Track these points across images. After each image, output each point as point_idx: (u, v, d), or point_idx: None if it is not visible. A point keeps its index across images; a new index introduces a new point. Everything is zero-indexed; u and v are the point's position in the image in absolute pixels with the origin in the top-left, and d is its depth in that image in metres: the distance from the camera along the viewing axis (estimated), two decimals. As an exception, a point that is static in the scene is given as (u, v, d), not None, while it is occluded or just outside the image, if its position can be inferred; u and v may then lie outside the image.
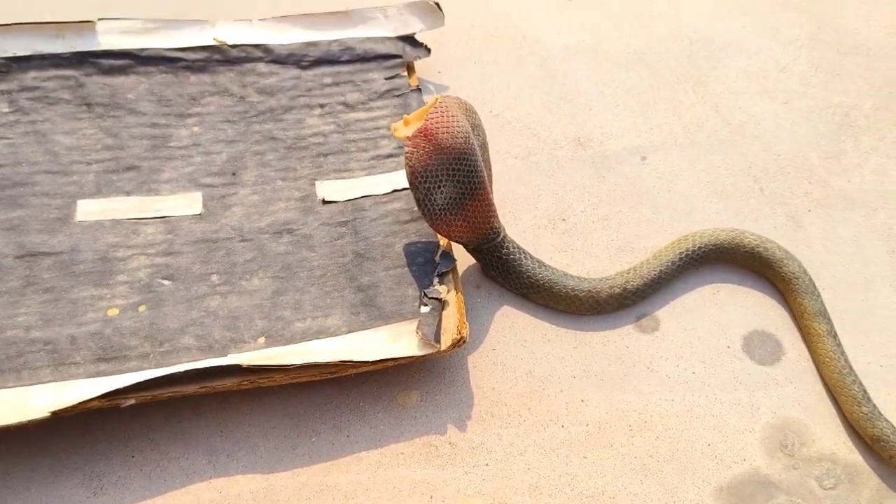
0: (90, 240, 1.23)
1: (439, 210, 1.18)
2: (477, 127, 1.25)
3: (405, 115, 1.20)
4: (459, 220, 1.20)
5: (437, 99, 1.16)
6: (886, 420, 1.16)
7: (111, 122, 1.38)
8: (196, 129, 1.39)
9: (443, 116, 1.14)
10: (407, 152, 1.15)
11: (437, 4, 1.57)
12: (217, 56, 1.48)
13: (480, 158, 1.19)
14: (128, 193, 1.30)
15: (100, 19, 1.44)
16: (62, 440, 1.11)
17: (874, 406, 1.17)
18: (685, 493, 1.12)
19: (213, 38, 1.49)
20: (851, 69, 1.72)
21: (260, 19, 1.53)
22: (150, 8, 1.63)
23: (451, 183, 1.16)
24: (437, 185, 1.16)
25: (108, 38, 1.45)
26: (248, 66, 1.48)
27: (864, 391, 1.18)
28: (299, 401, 1.17)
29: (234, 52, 1.49)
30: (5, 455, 1.09)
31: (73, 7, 1.59)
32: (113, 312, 1.16)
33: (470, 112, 1.24)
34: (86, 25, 1.43)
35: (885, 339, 1.29)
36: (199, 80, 1.45)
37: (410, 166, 1.15)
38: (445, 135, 1.14)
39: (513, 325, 1.28)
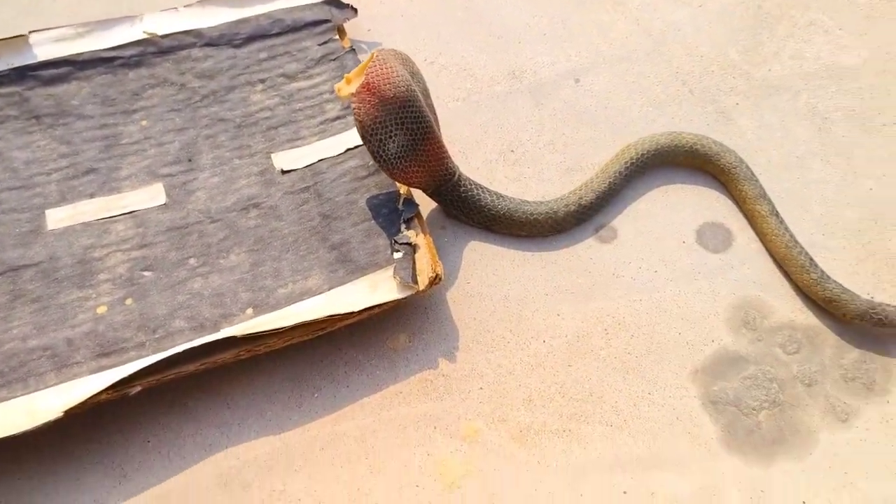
0: (65, 246, 1.27)
1: (394, 159, 1.24)
2: (415, 74, 1.31)
3: (346, 75, 1.25)
4: (415, 166, 1.26)
5: (374, 54, 1.21)
6: (834, 281, 1.26)
7: (62, 130, 1.40)
8: (144, 122, 1.43)
9: (382, 68, 1.20)
10: (354, 108, 1.20)
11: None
12: (151, 48, 1.50)
13: (424, 104, 1.25)
14: (91, 196, 1.33)
15: (31, 32, 1.45)
16: (78, 440, 1.16)
17: (822, 271, 1.27)
18: (665, 380, 1.21)
19: (144, 32, 1.51)
20: (757, -37, 1.79)
21: (185, 6, 1.55)
22: (77, 12, 1.63)
23: (401, 132, 1.22)
24: (388, 136, 1.22)
25: (44, 49, 1.46)
26: (183, 53, 1.51)
27: (811, 259, 1.28)
28: (296, 362, 1.23)
29: (167, 42, 1.51)
30: (29, 461, 1.14)
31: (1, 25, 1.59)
32: (102, 310, 1.21)
33: (406, 61, 1.29)
34: (19, 40, 1.45)
35: (823, 210, 1.39)
36: (137, 74, 1.48)
37: (360, 121, 1.21)
38: (387, 86, 1.19)
39: (482, 257, 1.35)
